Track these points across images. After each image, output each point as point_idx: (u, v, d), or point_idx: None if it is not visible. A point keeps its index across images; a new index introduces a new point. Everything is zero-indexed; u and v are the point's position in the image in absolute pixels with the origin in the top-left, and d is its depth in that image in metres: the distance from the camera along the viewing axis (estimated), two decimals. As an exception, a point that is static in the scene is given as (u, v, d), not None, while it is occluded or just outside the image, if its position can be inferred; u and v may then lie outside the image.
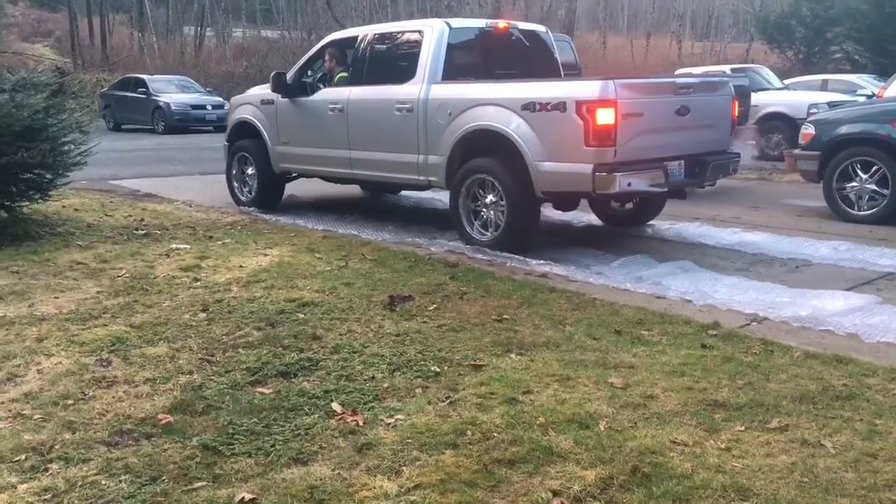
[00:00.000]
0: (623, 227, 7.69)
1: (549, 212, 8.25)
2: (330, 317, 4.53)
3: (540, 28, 8.18)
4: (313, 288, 5.14)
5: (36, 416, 3.19)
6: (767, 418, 3.17)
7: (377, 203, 9.72)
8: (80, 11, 37.57)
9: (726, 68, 16.17)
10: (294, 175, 8.71)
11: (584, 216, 8.13)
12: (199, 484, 2.70)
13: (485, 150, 6.51)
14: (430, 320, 4.49)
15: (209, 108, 22.75)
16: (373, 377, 3.64)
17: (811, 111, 12.15)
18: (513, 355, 3.92)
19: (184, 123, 22.15)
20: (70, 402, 3.35)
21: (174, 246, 6.49)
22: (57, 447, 2.93)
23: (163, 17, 41.62)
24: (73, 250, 6.27)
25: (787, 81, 16.69)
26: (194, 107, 22.62)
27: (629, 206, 7.60)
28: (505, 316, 4.56)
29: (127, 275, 5.53)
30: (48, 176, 6.99)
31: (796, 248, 6.59)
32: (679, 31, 38.34)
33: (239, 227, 7.43)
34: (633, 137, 5.85)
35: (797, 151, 8.64)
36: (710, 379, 3.57)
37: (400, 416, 3.20)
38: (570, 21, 26.22)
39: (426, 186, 7.37)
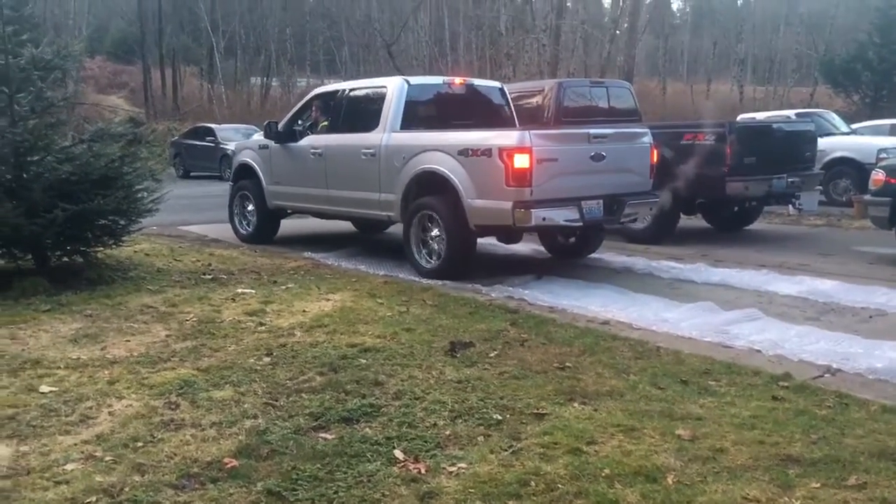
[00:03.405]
0: (567, 258, 8.53)
1: (610, 257, 8.22)
2: (392, 363, 4.54)
3: (495, 84, 9.26)
4: (375, 333, 5.18)
5: (107, 458, 3.26)
6: (844, 475, 3.05)
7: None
8: (154, 64, 39.24)
9: (791, 113, 15.96)
10: (289, 212, 9.80)
11: (648, 262, 8.04)
12: (264, 529, 2.71)
13: (430, 189, 7.41)
14: (491, 367, 4.47)
15: (273, 155, 23.31)
16: (434, 424, 3.62)
17: (881, 156, 11.87)
18: (576, 404, 3.87)
19: (249, 171, 22.72)
20: (140, 444, 3.41)
21: (240, 290, 6.63)
22: (127, 489, 2.98)
23: (231, 68, 43.11)
24: (143, 294, 6.46)
25: (854, 126, 16.34)
26: (259, 154, 23.22)
27: (572, 240, 8.48)
28: (567, 363, 4.51)
29: (195, 318, 5.66)
30: (122, 222, 7.22)
31: (869, 297, 6.38)
32: (740, 76, 37.97)
33: (302, 272, 7.56)
34: (549, 179, 6.72)
35: (867, 197, 8.43)
36: (783, 433, 3.46)
37: (462, 465, 3.18)
38: (630, 67, 26.30)
39: (387, 221, 8.29)
